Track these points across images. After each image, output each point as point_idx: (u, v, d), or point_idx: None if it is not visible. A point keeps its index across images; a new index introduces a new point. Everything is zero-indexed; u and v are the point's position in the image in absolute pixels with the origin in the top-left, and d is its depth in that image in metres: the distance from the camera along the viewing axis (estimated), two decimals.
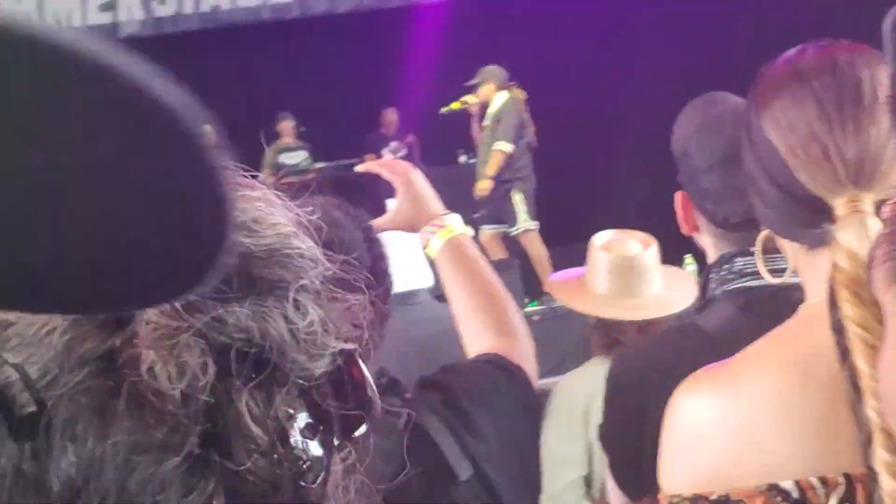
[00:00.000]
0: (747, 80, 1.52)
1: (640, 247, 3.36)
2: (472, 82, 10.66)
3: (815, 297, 1.39)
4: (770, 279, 1.55)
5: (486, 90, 10.50)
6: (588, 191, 13.23)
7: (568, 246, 11.94)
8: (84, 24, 12.96)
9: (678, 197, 2.13)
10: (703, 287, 2.10)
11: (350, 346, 0.78)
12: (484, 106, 10.64)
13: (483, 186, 10.60)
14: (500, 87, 10.48)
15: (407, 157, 12.53)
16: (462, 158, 12.27)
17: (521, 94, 10.63)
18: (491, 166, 10.54)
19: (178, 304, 0.66)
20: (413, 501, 1.75)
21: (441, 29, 13.81)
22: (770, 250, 1.95)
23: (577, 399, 3.38)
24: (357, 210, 1.87)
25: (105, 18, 13.04)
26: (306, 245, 0.75)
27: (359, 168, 2.24)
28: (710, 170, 2.01)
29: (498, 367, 1.92)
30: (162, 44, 13.23)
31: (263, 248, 0.73)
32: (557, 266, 10.62)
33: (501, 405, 1.90)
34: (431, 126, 13.41)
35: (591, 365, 3.50)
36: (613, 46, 13.38)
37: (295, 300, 0.72)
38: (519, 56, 11.87)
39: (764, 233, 1.53)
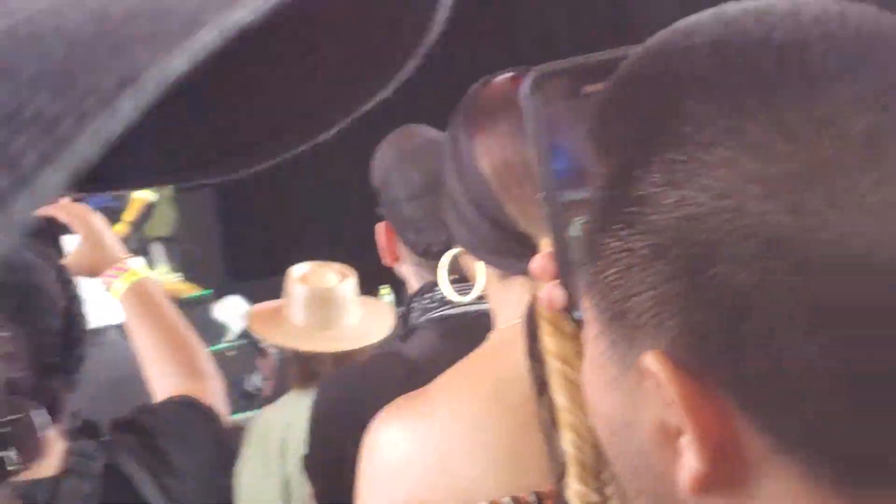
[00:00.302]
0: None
1: (338, 278, 3.37)
2: None
3: (505, 322, 1.42)
4: (458, 300, 1.58)
5: None
6: (282, 224, 13.22)
7: (264, 280, 11.94)
8: None
9: (380, 227, 2.15)
10: (406, 316, 2.12)
11: None
12: None
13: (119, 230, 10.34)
14: None
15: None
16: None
17: None
18: (129, 212, 10.30)
19: None
20: None
21: None
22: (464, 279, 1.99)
23: (274, 433, 3.34)
24: (49, 250, 1.80)
25: None
26: None
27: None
28: (411, 200, 2.04)
29: (190, 408, 1.90)
30: None
31: None
32: (258, 300, 10.61)
33: (196, 444, 1.88)
34: None
35: (287, 398, 3.48)
36: None
37: None
38: None
39: (449, 254, 1.55)
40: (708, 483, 0.60)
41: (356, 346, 3.31)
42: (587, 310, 0.66)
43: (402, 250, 2.13)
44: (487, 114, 1.41)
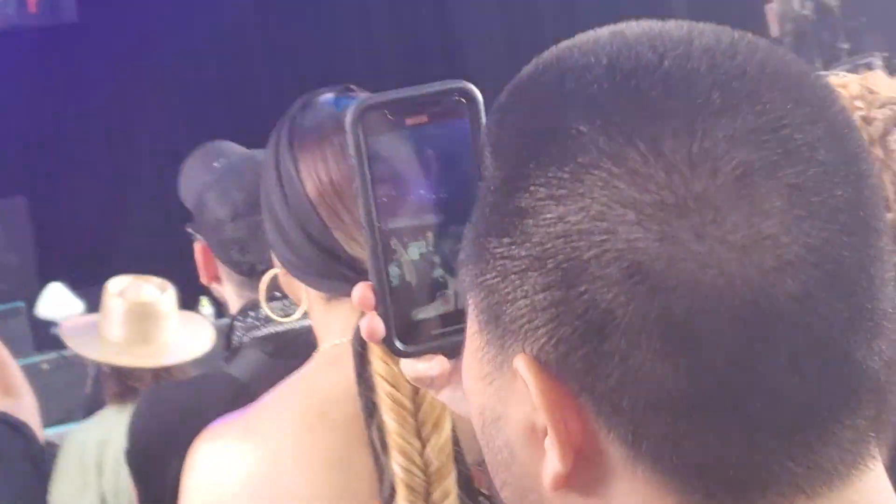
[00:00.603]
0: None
1: (157, 292, 3.33)
2: None
3: (329, 342, 1.43)
4: (280, 319, 1.59)
5: None
6: (100, 234, 12.96)
7: (82, 290, 11.68)
8: None
9: (197, 248, 2.12)
10: (228, 336, 2.09)
11: None
12: None
13: None
14: None
15: None
16: None
17: None
18: None
19: None
20: None
21: None
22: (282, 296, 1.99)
23: (89, 449, 3.29)
24: None
25: None
26: None
27: None
28: (234, 219, 2.01)
29: (5, 423, 1.87)
30: None
31: None
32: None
33: (12, 461, 1.85)
34: None
35: (103, 414, 3.43)
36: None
37: None
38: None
39: (269, 274, 1.54)
40: (567, 483, 0.64)
41: (175, 362, 3.29)
42: (469, 306, 0.69)
43: (222, 270, 2.10)
44: (312, 134, 1.39)
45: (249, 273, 2.04)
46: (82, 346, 3.33)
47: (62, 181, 13.33)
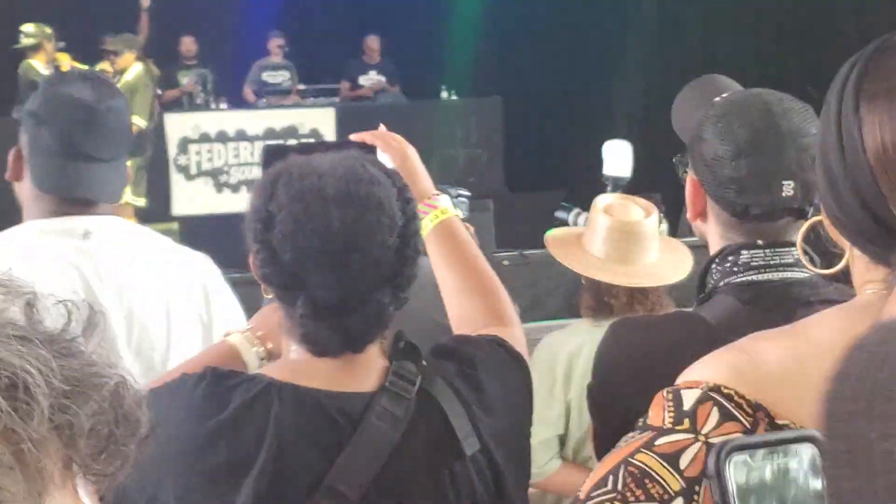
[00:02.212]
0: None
1: (642, 214, 3.34)
2: (109, 48, 10.05)
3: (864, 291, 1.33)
4: (814, 270, 1.51)
5: (125, 59, 9.91)
6: (566, 140, 13.21)
7: (538, 192, 12.03)
8: None
9: (689, 181, 2.06)
10: (703, 278, 2.04)
11: None
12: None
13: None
14: (138, 59, 10.00)
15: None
16: (444, 94, 12.20)
17: (154, 69, 10.24)
18: None
19: None
20: (412, 470, 1.74)
21: None
22: (784, 244, 1.92)
23: (559, 359, 3.37)
24: (394, 171, 1.83)
25: None
26: None
27: (353, 136, 2.20)
28: (736, 158, 1.94)
29: (503, 348, 1.92)
30: None
31: None
32: (528, 212, 10.71)
33: (511, 384, 1.89)
34: (418, 55, 13.32)
35: (576, 325, 3.50)
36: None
37: None
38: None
39: (811, 221, 1.45)
40: None
41: (653, 284, 3.29)
42: None
43: (711, 208, 2.03)
44: (883, 85, 1.22)
45: (742, 215, 1.95)
46: (564, 255, 3.39)
47: (534, 83, 13.67)
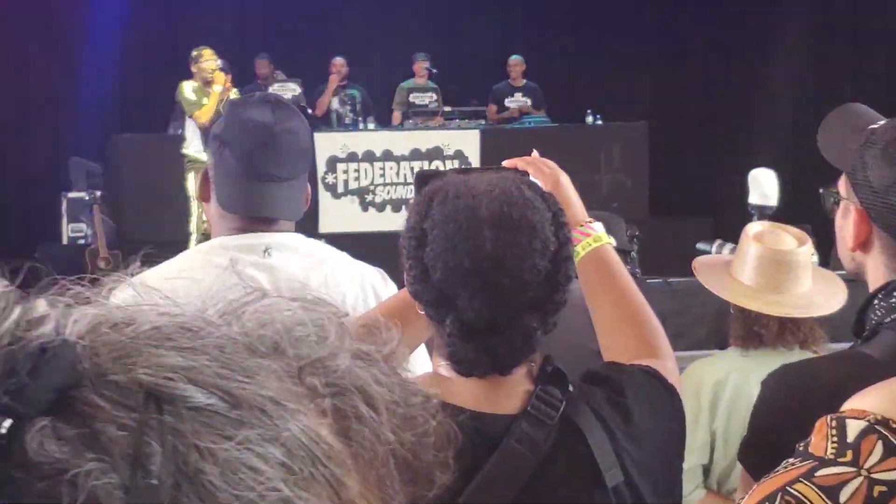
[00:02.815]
0: None
1: (795, 243, 3.28)
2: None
3: None
4: None
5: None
6: (710, 167, 13.07)
7: (682, 219, 11.91)
8: None
9: (851, 210, 2.00)
10: (862, 313, 1.97)
11: None
12: None
13: None
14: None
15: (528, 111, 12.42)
16: (590, 119, 12.16)
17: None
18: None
19: None
20: (550, 497, 1.71)
21: None
22: None
23: (705, 387, 3.34)
24: (548, 194, 1.81)
25: None
26: None
27: (506, 163, 2.20)
28: None
29: (655, 379, 1.88)
30: None
31: None
32: (672, 239, 10.62)
33: (662, 415, 1.84)
34: (562, 79, 13.32)
35: (724, 354, 3.46)
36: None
37: None
38: None
39: None
40: None
41: (806, 315, 3.23)
42: None
43: (877, 238, 1.97)
44: None
45: None
46: (713, 283, 3.35)
47: (680, 109, 13.55)
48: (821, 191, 2.11)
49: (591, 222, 2.12)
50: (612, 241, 2.12)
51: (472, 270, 1.67)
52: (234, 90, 9.90)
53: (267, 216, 2.47)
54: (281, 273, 2.38)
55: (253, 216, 2.46)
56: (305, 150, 2.54)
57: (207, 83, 9.69)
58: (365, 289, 2.51)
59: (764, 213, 4.71)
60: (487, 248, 1.66)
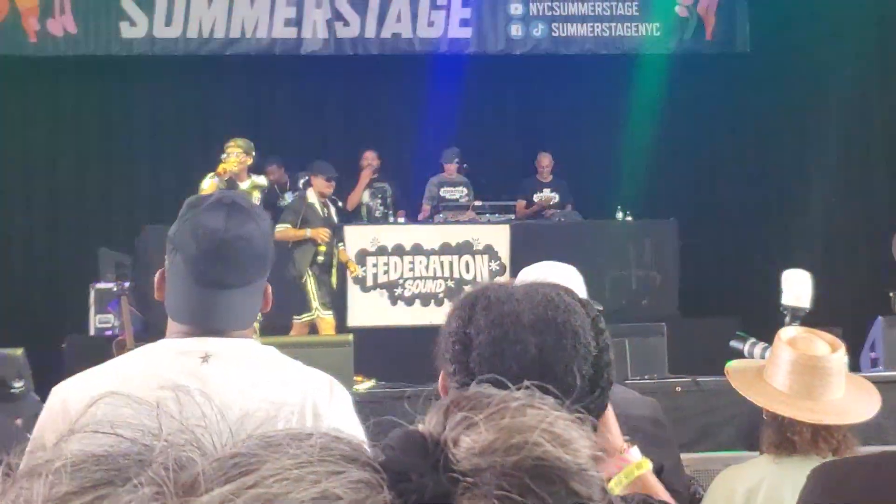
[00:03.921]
0: None
1: (828, 349, 3.24)
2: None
3: None
4: None
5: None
6: (741, 265, 13.03)
7: (711, 318, 11.84)
8: (269, 36, 13.27)
9: None
10: None
11: None
12: None
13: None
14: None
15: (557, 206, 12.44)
16: (619, 215, 12.16)
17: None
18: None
19: None
20: None
21: (610, 82, 13.77)
22: None
23: (737, 495, 3.27)
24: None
25: (289, 33, 13.35)
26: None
27: None
28: None
29: None
30: (343, 64, 13.50)
31: (576, 465, 0.72)
32: (701, 337, 10.55)
33: None
34: (591, 175, 13.36)
35: (757, 461, 3.40)
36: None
37: None
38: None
39: None
40: None
41: (840, 422, 3.18)
42: None
43: None
44: None
45: None
46: (746, 387, 3.30)
47: (711, 207, 13.56)
48: (891, 294, 2.08)
49: (628, 448, 2.03)
50: (650, 464, 2.04)
51: (520, 375, 1.64)
52: (251, 180, 9.91)
53: (211, 326, 2.41)
54: (213, 383, 2.30)
55: (199, 325, 2.41)
56: (260, 256, 2.45)
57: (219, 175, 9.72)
58: (304, 406, 2.41)
59: (797, 314, 4.65)
60: (533, 353, 1.69)
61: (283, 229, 9.66)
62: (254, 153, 9.97)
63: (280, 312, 8.54)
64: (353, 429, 2.42)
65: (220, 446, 0.65)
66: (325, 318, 9.82)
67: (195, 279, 2.38)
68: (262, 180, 10.17)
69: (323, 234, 9.97)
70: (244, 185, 9.84)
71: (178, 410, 0.73)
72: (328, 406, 2.44)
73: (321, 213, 10.03)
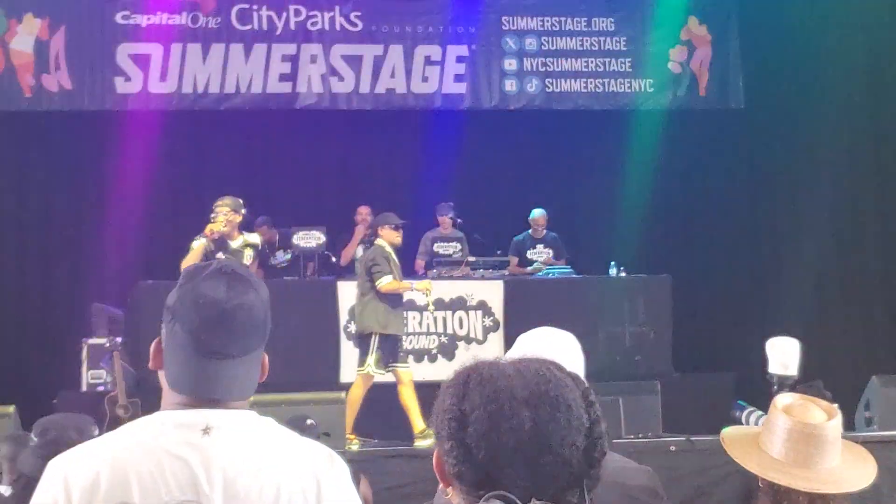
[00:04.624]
0: None
1: (824, 416, 3.22)
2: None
3: None
4: None
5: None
6: (738, 320, 13.03)
7: (705, 373, 11.82)
8: (264, 91, 13.32)
9: None
10: None
11: None
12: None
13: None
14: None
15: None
16: (613, 271, 12.16)
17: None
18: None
19: None
20: None
21: (603, 137, 13.84)
22: None
23: None
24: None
25: (284, 88, 13.40)
26: None
27: None
28: None
29: None
30: (337, 119, 13.53)
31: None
32: (695, 394, 10.51)
33: None
34: (585, 230, 13.38)
35: None
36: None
37: None
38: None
39: None
40: None
41: (835, 491, 3.15)
42: None
43: None
44: None
45: None
46: (742, 454, 3.28)
47: (705, 263, 13.57)
48: None
49: None
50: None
51: (517, 450, 1.73)
52: (242, 237, 9.87)
53: (213, 397, 2.38)
54: (215, 456, 2.30)
55: (199, 396, 2.38)
56: (260, 325, 2.43)
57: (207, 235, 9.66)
58: (306, 478, 2.39)
59: (784, 382, 4.68)
60: (528, 427, 1.73)
61: (390, 281, 9.77)
62: (243, 210, 9.92)
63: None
64: (350, 498, 2.44)
65: None
66: (404, 370, 9.85)
67: (195, 349, 2.35)
68: (254, 238, 10.14)
69: (427, 285, 10.14)
70: (235, 243, 9.82)
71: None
72: (328, 478, 2.42)
73: (398, 264, 10.09)
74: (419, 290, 10.18)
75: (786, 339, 4.74)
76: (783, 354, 4.61)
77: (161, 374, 2.47)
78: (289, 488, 2.35)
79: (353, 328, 10.47)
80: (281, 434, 2.48)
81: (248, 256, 9.72)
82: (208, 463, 2.31)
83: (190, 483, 2.28)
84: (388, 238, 10.03)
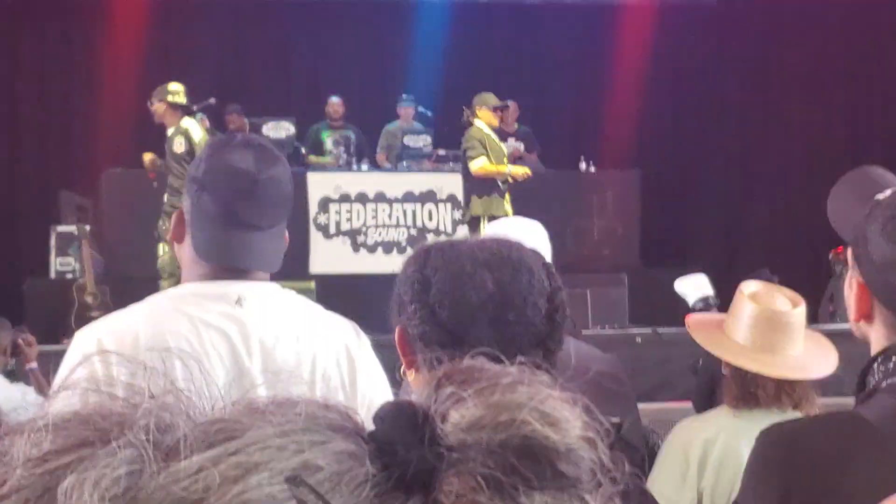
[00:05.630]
0: None
1: (789, 304, 3.27)
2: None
3: None
4: None
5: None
6: (705, 217, 13.09)
7: (672, 268, 11.92)
8: None
9: (854, 283, 1.98)
10: (863, 377, 1.97)
11: None
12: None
13: None
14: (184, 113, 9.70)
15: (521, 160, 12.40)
16: (583, 165, 12.15)
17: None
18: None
19: (486, 484, 0.63)
20: None
21: (574, 30, 13.76)
22: None
23: (695, 445, 3.31)
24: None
25: None
26: (597, 457, 0.70)
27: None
28: None
29: None
30: (310, 9, 13.37)
31: (565, 445, 0.69)
32: (662, 288, 10.61)
33: None
34: (554, 126, 13.35)
35: (716, 412, 3.44)
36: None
37: (583, 499, 0.68)
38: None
39: None
40: None
41: (802, 377, 3.21)
42: None
43: (877, 311, 1.97)
44: None
45: None
46: (708, 342, 3.33)
47: (674, 157, 13.60)
48: (830, 257, 2.10)
49: None
50: None
51: (479, 306, 1.76)
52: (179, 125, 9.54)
53: (245, 267, 2.38)
54: (251, 325, 2.32)
55: (229, 266, 2.38)
56: (287, 198, 2.46)
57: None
58: (338, 348, 2.42)
59: (709, 302, 4.83)
60: (490, 287, 1.76)
61: (483, 165, 9.36)
62: (170, 97, 9.54)
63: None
64: (379, 370, 2.49)
65: (210, 409, 0.65)
66: None
67: (227, 221, 2.34)
68: (189, 125, 9.57)
69: (526, 170, 9.72)
70: (170, 131, 9.53)
71: (181, 367, 0.72)
72: (358, 349, 2.45)
73: (500, 147, 9.70)
74: (516, 177, 9.67)
75: (687, 277, 4.94)
76: (690, 286, 4.78)
77: (181, 247, 2.45)
78: (324, 359, 2.37)
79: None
80: (308, 305, 2.51)
81: (179, 144, 9.38)
82: (246, 334, 2.32)
83: (230, 355, 2.29)
84: (486, 119, 9.69)
